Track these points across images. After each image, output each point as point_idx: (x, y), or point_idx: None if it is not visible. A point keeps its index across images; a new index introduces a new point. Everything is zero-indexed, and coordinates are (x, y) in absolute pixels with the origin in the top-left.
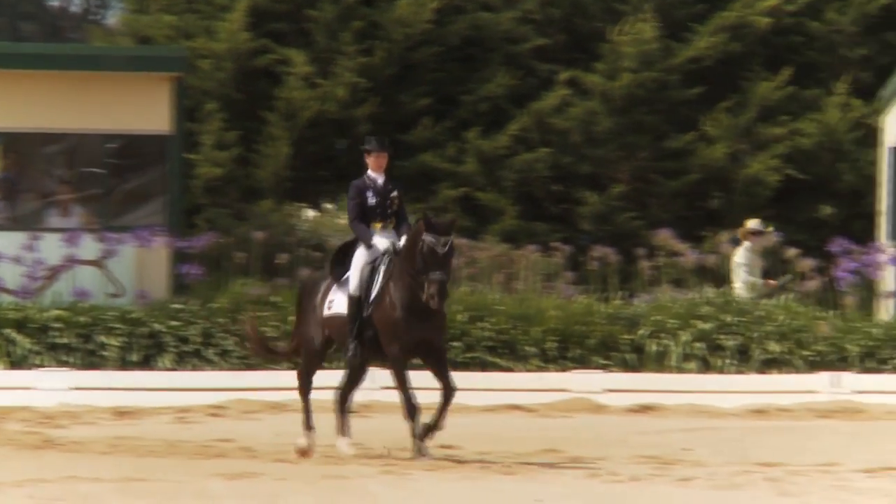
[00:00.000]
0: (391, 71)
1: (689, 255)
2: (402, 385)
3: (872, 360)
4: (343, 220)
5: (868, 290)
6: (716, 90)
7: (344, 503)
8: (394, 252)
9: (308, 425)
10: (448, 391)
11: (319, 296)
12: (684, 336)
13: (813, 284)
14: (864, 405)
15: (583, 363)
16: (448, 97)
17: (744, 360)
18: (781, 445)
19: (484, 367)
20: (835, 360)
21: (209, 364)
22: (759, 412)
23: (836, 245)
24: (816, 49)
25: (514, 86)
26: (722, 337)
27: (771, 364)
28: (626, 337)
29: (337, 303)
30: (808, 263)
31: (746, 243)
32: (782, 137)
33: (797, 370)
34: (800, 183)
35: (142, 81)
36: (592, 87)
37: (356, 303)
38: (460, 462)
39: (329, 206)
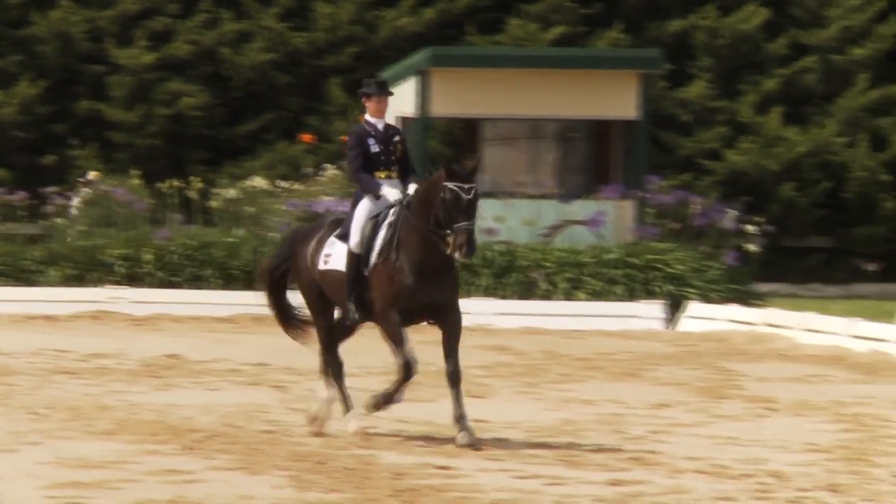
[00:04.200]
0: None
1: None
2: (398, 345)
3: None
4: None
5: None
6: None
7: None
8: (404, 205)
9: (346, 406)
10: (453, 375)
11: (312, 245)
12: None
13: None
14: None
15: None
16: None
17: None
18: None
19: None
20: None
21: None
22: None
23: None
24: None
25: None
26: None
27: None
28: None
29: (335, 258)
30: None
31: None
32: None
33: None
34: None
35: None
36: None
37: (356, 261)
38: None
39: None
